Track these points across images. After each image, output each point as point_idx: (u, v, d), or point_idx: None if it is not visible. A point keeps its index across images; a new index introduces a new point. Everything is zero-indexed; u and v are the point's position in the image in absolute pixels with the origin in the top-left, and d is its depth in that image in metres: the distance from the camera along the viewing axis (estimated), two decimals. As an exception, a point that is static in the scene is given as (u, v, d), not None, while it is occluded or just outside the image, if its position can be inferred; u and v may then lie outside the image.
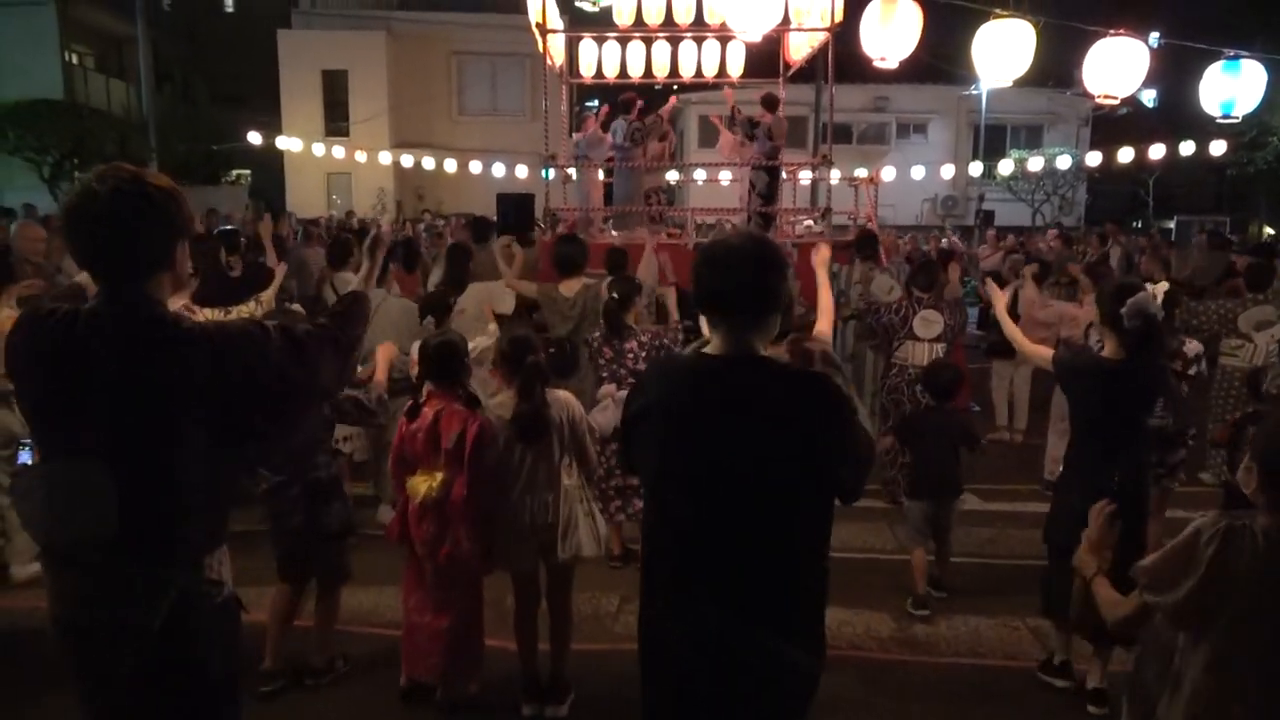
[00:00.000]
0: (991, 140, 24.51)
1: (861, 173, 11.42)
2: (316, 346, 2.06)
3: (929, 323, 6.07)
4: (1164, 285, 4.51)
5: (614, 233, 9.34)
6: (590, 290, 5.80)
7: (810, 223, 10.47)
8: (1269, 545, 2.05)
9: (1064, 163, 20.93)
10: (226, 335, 1.95)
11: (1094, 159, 17.74)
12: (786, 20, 8.87)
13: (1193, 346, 5.21)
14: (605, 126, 10.31)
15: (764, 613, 2.00)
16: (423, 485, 3.46)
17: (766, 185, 9.82)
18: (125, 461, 1.85)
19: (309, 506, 3.67)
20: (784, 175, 10.53)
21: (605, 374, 5.03)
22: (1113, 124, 25.54)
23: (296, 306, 5.11)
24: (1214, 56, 6.59)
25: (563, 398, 3.66)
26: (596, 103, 19.22)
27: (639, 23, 9.84)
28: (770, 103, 9.86)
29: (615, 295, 5.16)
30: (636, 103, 10.00)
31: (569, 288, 5.86)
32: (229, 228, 11.36)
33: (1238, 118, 6.72)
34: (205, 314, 5.13)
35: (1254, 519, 2.10)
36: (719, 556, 2.02)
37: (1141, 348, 3.53)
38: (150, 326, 1.88)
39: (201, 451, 1.90)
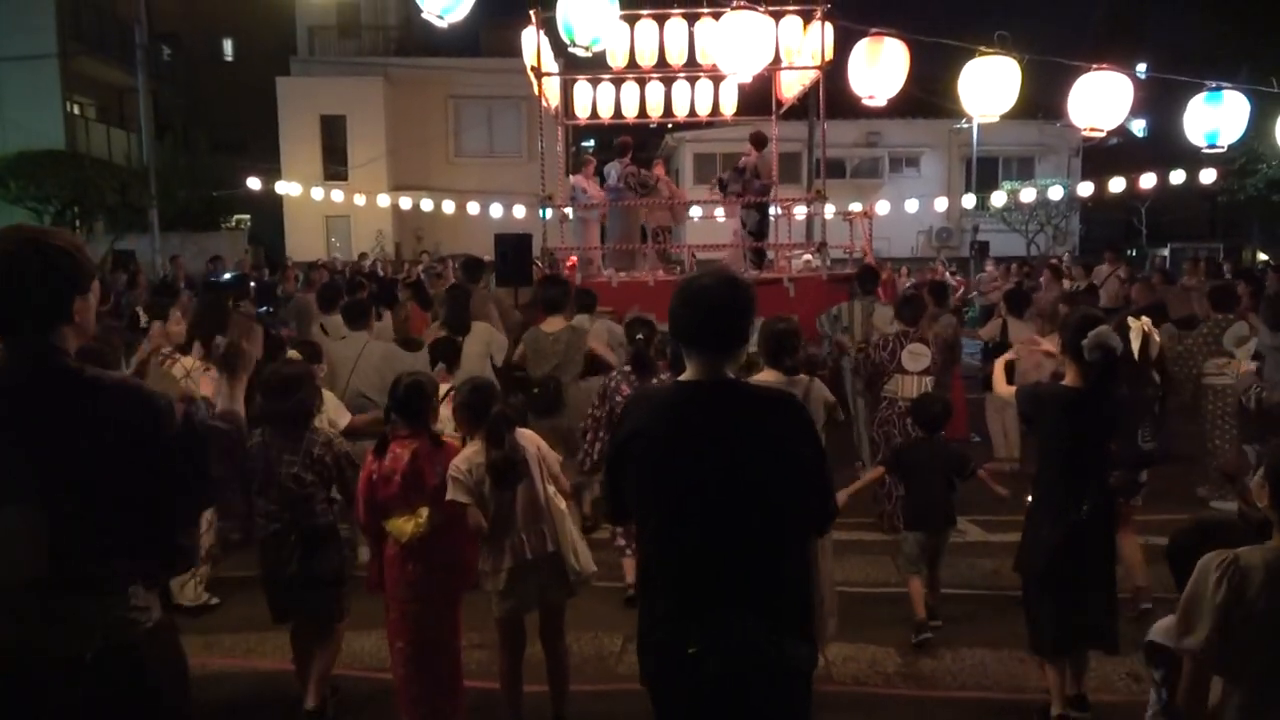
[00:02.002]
0: (984, 172, 24.72)
1: (856, 207, 11.53)
2: (212, 444, 2.14)
3: (916, 355, 6.14)
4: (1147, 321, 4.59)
5: (608, 272, 9.41)
6: (576, 331, 5.94)
7: (808, 257, 10.56)
8: (1275, 576, 2.05)
9: (1056, 193, 21.07)
10: (127, 391, 2.06)
11: (1086, 189, 17.93)
12: (778, 60, 9.01)
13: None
14: (598, 173, 10.47)
15: (769, 614, 2.14)
16: (409, 525, 3.43)
17: (757, 223, 9.96)
18: (42, 503, 1.94)
19: (303, 554, 3.64)
20: (778, 210, 10.67)
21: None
22: (1104, 154, 25.78)
23: (293, 353, 5.12)
24: (1200, 87, 6.69)
25: (526, 434, 3.69)
26: (593, 142, 19.48)
27: (632, 64, 10.01)
28: (756, 141, 10.02)
29: (640, 336, 5.24)
30: (630, 147, 10.15)
31: (551, 326, 6.02)
32: (229, 275, 11.46)
33: (1223, 148, 6.80)
34: (184, 363, 5.08)
35: (1260, 550, 2.10)
36: (717, 568, 2.17)
37: (1101, 379, 3.59)
38: (52, 375, 2.00)
39: (115, 492, 1.99)
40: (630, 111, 11.31)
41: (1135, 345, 4.38)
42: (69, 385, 2.00)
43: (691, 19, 9.56)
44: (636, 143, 11.75)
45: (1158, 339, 4.52)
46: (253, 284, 11.26)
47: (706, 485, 2.17)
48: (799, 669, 2.20)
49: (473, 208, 17.31)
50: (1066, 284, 12.07)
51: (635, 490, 2.31)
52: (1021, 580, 3.85)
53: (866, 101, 7.00)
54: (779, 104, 11.56)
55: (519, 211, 16.59)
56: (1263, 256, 23.10)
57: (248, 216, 27.25)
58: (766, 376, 4.13)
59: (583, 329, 6.23)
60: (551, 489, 3.67)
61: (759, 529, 2.17)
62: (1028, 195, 20.58)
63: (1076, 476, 3.65)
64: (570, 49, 6.53)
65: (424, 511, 3.44)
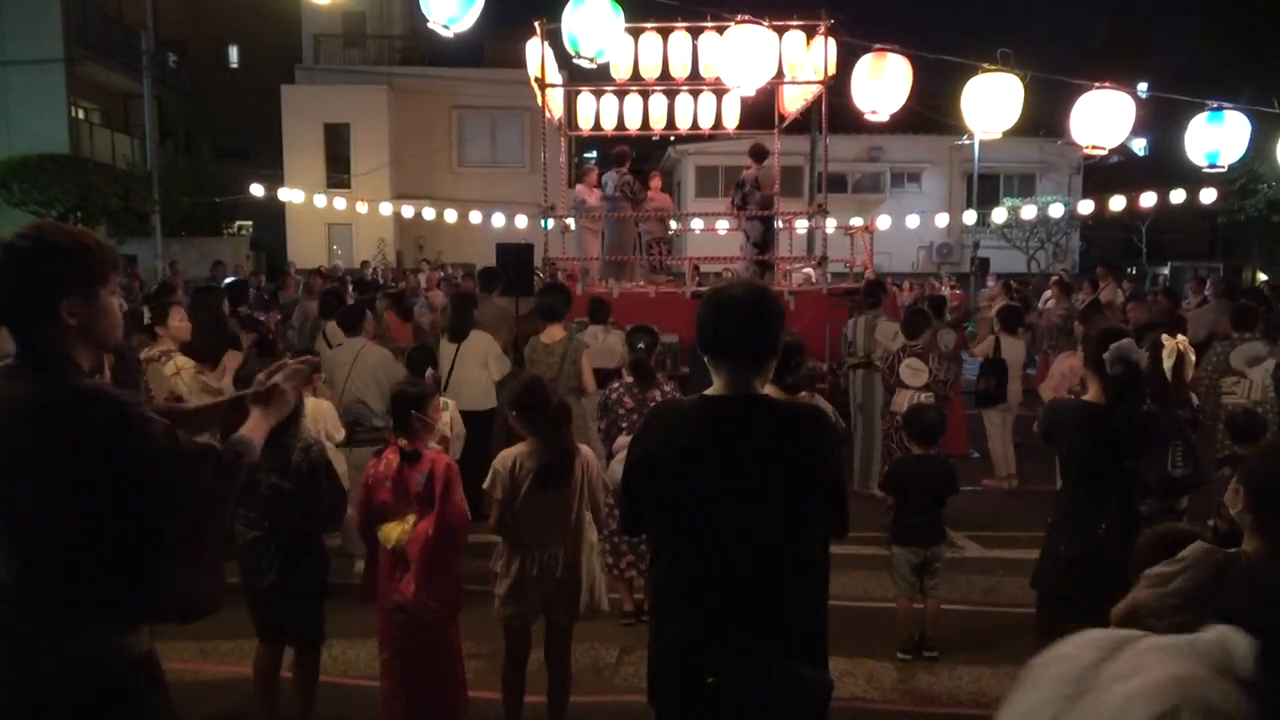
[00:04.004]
0: (985, 189, 24.79)
1: (857, 221, 11.56)
2: (198, 464, 1.97)
3: (915, 371, 6.16)
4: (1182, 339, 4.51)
5: (609, 282, 9.42)
6: (574, 343, 5.93)
7: (808, 271, 10.58)
8: (1255, 574, 2.09)
9: (1057, 210, 21.13)
10: (107, 405, 1.91)
11: (1086, 207, 17.94)
12: (780, 74, 9.05)
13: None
14: (599, 183, 10.51)
15: (789, 640, 2.09)
16: (395, 531, 3.42)
17: (760, 234, 9.98)
18: (12, 518, 1.87)
19: (283, 564, 3.54)
20: (780, 224, 10.69)
21: (624, 425, 4.86)
22: (1104, 172, 25.87)
23: (289, 358, 5.11)
24: (1201, 107, 6.71)
25: (582, 450, 3.65)
26: (595, 153, 19.52)
27: (635, 77, 10.05)
28: (755, 154, 10.05)
29: (641, 345, 5.15)
30: (628, 156, 10.17)
31: (550, 336, 6.01)
32: (231, 279, 11.47)
33: (1223, 168, 6.81)
34: (177, 361, 5.07)
35: (1239, 553, 2.15)
36: (738, 592, 2.10)
37: (1123, 393, 3.52)
38: (37, 381, 1.91)
39: (85, 514, 1.87)
40: (633, 123, 11.35)
41: (1168, 364, 4.34)
42: (42, 394, 1.89)
43: (695, 32, 9.60)
44: (639, 155, 11.79)
45: (1193, 358, 4.45)
46: (253, 290, 11.25)
47: (734, 506, 2.09)
48: (816, 697, 2.14)
49: (475, 217, 17.34)
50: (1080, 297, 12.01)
51: (653, 509, 2.23)
52: (1036, 597, 3.82)
53: (869, 116, 7.02)
54: (781, 118, 11.60)
55: (521, 221, 16.62)
56: (1263, 277, 23.13)
57: (250, 223, 27.28)
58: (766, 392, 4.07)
59: (580, 341, 6.19)
60: (587, 516, 3.62)
61: (784, 551, 2.11)
62: (1029, 212, 20.63)
63: (1095, 494, 3.57)
64: (575, 60, 6.55)
65: (410, 518, 3.42)
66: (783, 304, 2.29)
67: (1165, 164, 20.13)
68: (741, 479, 2.09)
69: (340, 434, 5.01)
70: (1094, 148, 6.46)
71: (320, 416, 4.92)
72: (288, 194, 19.75)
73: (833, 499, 2.19)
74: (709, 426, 2.17)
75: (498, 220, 16.81)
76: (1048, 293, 13.11)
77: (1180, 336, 4.41)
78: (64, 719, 1.91)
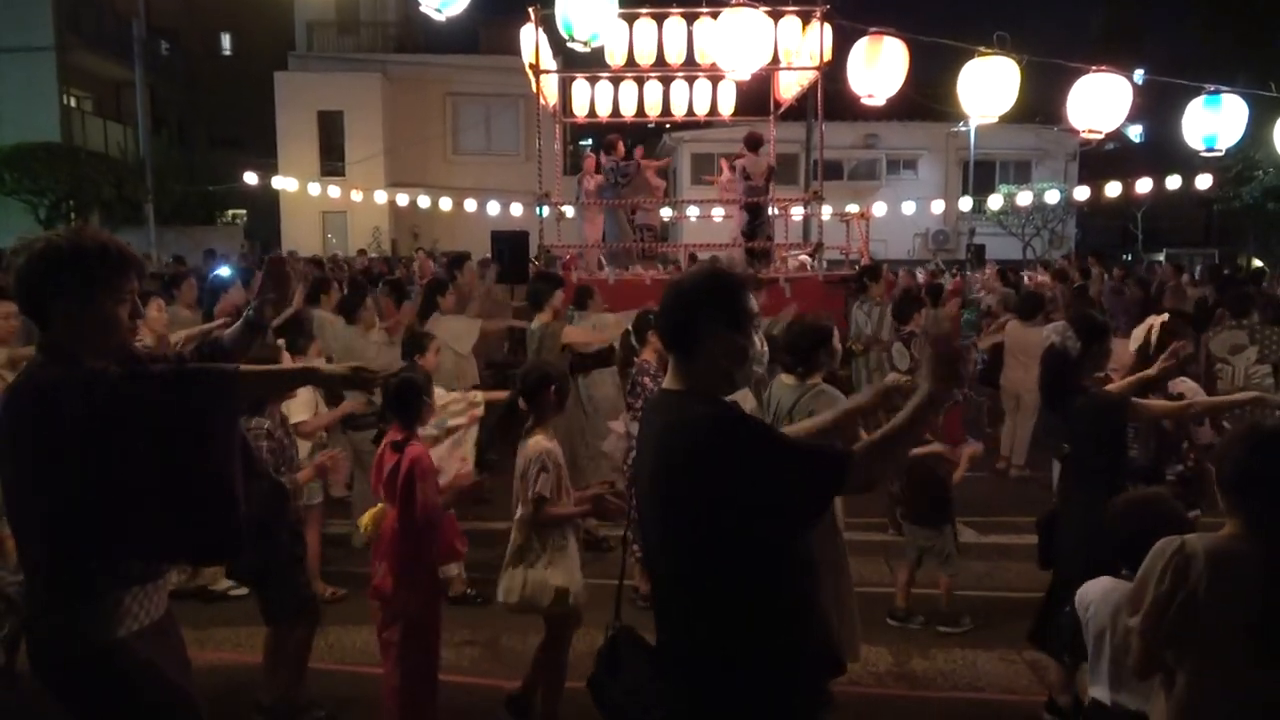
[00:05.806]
0: (981, 176, 24.75)
1: (853, 208, 11.52)
2: (150, 381, 2.09)
3: (900, 355, 6.25)
4: (1164, 317, 4.47)
5: (607, 270, 9.40)
6: (550, 328, 6.02)
7: (804, 258, 10.56)
8: (1220, 560, 2.10)
9: (1053, 197, 21.13)
10: (48, 383, 2.03)
11: (1082, 193, 17.93)
12: (776, 60, 9.00)
13: (1183, 386, 4.67)
14: (597, 169, 10.48)
15: (663, 644, 2.10)
16: (366, 519, 3.48)
17: (747, 222, 9.99)
18: (12, 494, 2.07)
19: None
20: (775, 211, 10.67)
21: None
22: (1100, 159, 25.85)
23: (281, 342, 5.06)
24: (1198, 92, 6.69)
25: (536, 446, 3.54)
26: (590, 141, 19.45)
27: (631, 63, 9.99)
28: (749, 142, 10.03)
29: (630, 330, 5.33)
30: (619, 143, 10.14)
31: (535, 322, 6.13)
32: (226, 268, 11.42)
33: (1220, 152, 6.79)
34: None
35: (1204, 538, 2.17)
36: (657, 589, 2.19)
37: (1047, 375, 3.65)
38: (27, 367, 2.19)
39: (44, 483, 2.01)
40: (628, 110, 11.29)
41: (1133, 346, 4.33)
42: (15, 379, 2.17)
43: (690, 18, 9.54)
44: (634, 142, 11.73)
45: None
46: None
47: (642, 498, 2.14)
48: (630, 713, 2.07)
49: (470, 205, 17.29)
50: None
51: None
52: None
53: (865, 101, 6.97)
54: (777, 105, 11.54)
55: (516, 209, 16.57)
56: (1257, 263, 23.18)
57: (244, 211, 27.19)
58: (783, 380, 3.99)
59: (557, 325, 6.24)
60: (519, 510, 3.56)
61: (668, 557, 2.04)
62: (1024, 199, 20.58)
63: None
64: (569, 44, 6.51)
65: (381, 508, 3.46)
66: (716, 286, 2.03)
67: (1162, 151, 20.13)
68: (643, 472, 2.12)
69: (302, 417, 4.90)
70: (1091, 132, 6.43)
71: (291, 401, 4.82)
72: (281, 182, 19.67)
73: (743, 507, 1.90)
74: (644, 417, 2.27)
75: (493, 208, 16.76)
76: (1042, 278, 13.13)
77: (1162, 316, 4.41)
78: (50, 685, 2.11)
